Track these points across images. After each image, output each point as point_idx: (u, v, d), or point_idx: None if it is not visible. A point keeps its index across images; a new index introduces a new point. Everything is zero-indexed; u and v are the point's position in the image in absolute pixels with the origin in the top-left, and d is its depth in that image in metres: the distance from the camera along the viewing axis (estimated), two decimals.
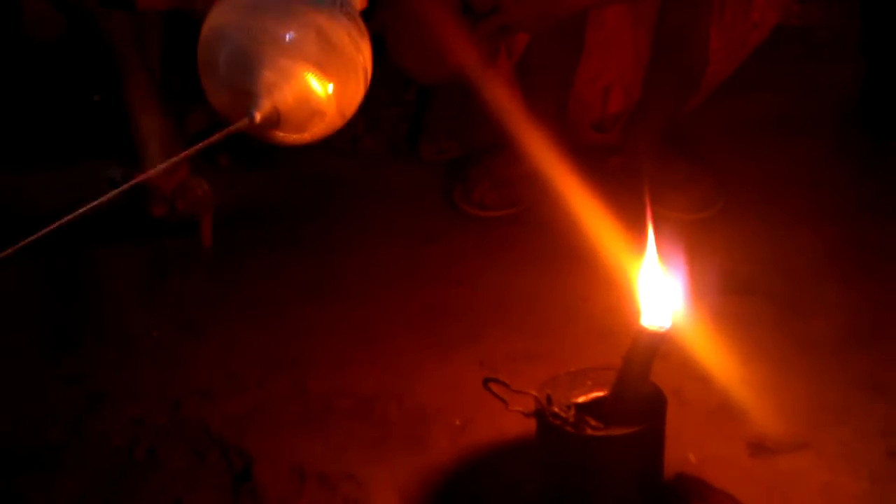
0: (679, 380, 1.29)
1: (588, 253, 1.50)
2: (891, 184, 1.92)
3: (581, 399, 1.07)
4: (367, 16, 1.22)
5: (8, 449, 1.27)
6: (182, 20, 1.77)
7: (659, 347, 1.05)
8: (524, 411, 1.08)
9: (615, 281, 1.33)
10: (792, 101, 2.29)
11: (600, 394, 1.08)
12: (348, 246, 1.79)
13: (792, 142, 2.10)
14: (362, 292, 1.63)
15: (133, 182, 1.11)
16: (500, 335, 1.48)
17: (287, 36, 1.12)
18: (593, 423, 1.04)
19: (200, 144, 1.11)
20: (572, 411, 1.05)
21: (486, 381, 1.10)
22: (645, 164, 1.87)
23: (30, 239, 0.92)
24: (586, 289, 1.55)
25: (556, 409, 1.05)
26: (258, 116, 1.11)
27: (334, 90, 1.14)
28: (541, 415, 1.06)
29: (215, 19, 1.17)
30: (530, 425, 1.09)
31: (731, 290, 1.55)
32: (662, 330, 1.04)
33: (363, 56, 1.16)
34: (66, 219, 0.94)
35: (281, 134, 1.17)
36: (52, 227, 0.92)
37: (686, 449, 1.19)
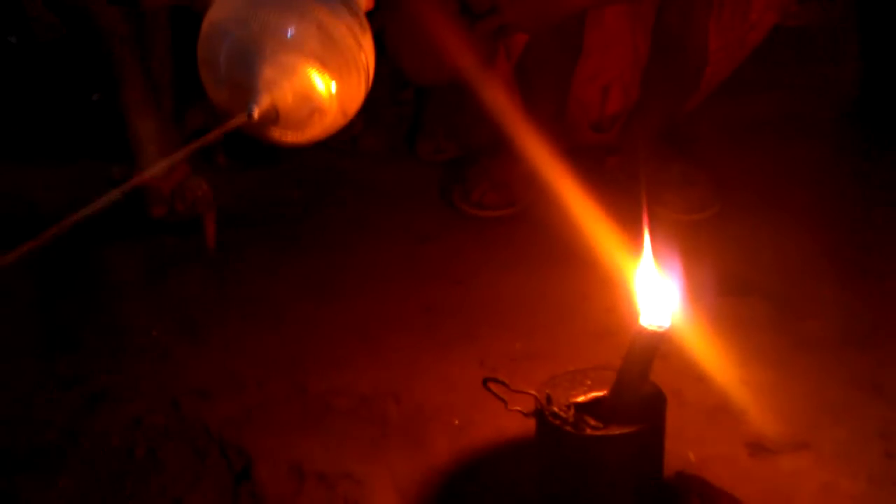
0: (678, 380, 1.29)
1: (586, 253, 1.50)
2: (889, 184, 1.92)
3: (581, 399, 1.07)
4: (369, 16, 1.22)
5: (7, 449, 1.27)
6: (180, 16, 1.76)
7: (659, 347, 1.05)
8: (524, 411, 1.08)
9: (614, 281, 1.34)
10: (790, 101, 2.29)
11: (600, 393, 1.08)
12: (347, 245, 1.80)
13: (790, 142, 2.11)
14: (361, 291, 1.64)
15: (130, 184, 1.10)
16: (499, 334, 1.48)
17: (288, 31, 1.10)
18: (593, 422, 1.04)
19: (197, 143, 1.10)
20: (572, 411, 1.05)
21: (485, 381, 1.10)
22: (643, 165, 1.87)
23: (29, 244, 0.91)
24: (585, 288, 1.55)
25: (555, 409, 1.05)
26: (256, 113, 1.09)
27: (335, 87, 1.13)
28: (540, 414, 1.06)
29: (215, 14, 1.15)
30: (529, 425, 1.10)
31: (730, 291, 1.56)
32: (662, 330, 1.04)
33: (365, 53, 1.15)
34: (65, 222, 0.93)
35: (280, 132, 1.15)
36: (51, 231, 0.92)
37: (686, 448, 1.19)
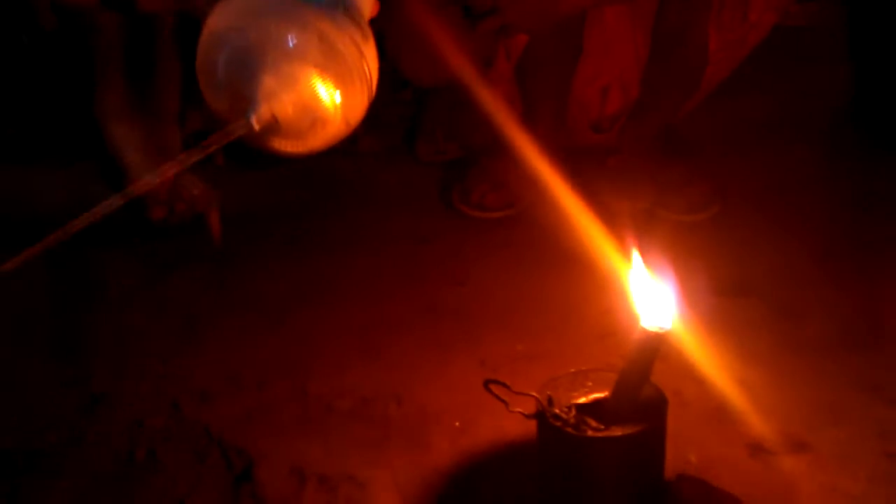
0: (679, 381, 1.30)
1: (586, 253, 1.50)
2: (885, 185, 1.92)
3: (582, 400, 1.08)
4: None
5: (8, 451, 1.27)
6: (179, 21, 1.76)
7: (660, 348, 1.06)
8: (525, 412, 1.08)
9: (613, 282, 1.33)
10: (789, 102, 2.29)
11: (601, 395, 1.08)
12: (346, 246, 1.80)
13: (788, 143, 2.11)
14: (361, 293, 1.64)
15: (130, 191, 1.09)
16: (500, 336, 1.48)
17: (288, 40, 1.10)
18: (594, 424, 1.04)
19: (195, 154, 1.09)
20: (573, 412, 1.05)
21: (486, 383, 1.11)
22: (643, 166, 1.87)
23: (30, 251, 0.91)
24: (585, 289, 1.55)
25: (556, 411, 1.05)
26: (256, 124, 1.09)
27: (338, 97, 1.12)
28: (541, 416, 1.07)
29: (215, 22, 1.15)
30: (530, 426, 1.10)
31: (729, 292, 1.56)
32: (663, 331, 1.04)
33: (368, 62, 1.14)
34: (66, 229, 0.93)
35: (281, 142, 1.15)
36: (52, 237, 0.92)
37: (687, 450, 1.20)
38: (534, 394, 1.07)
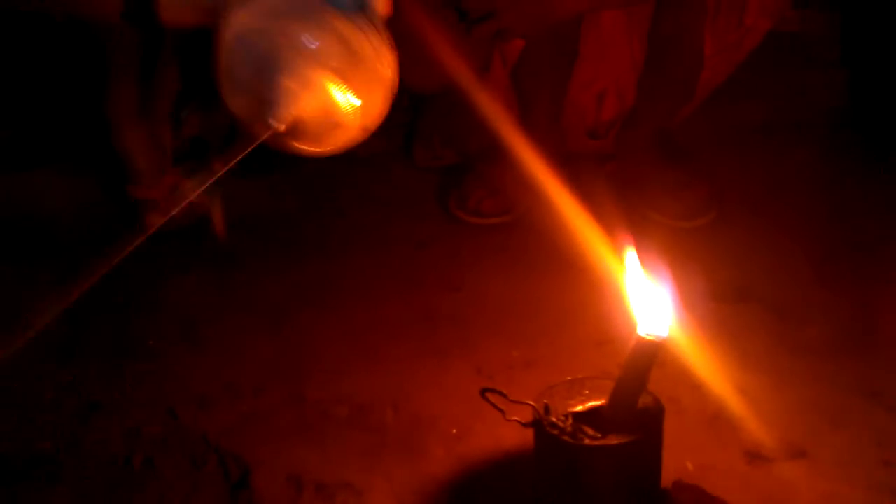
0: (676, 388, 1.30)
1: (583, 259, 1.50)
2: (882, 189, 1.92)
3: (578, 408, 1.08)
4: None
5: (5, 458, 1.27)
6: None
7: (657, 357, 1.06)
8: (522, 421, 1.08)
9: (610, 288, 1.33)
10: (785, 106, 2.29)
11: (598, 403, 1.08)
12: (344, 251, 1.80)
13: (785, 148, 2.11)
14: (359, 299, 1.64)
15: (155, 223, 1.09)
16: (497, 342, 1.48)
17: (309, 44, 1.09)
18: (591, 432, 1.04)
19: (233, 161, 1.10)
20: (570, 421, 1.05)
21: (483, 392, 1.10)
22: (639, 171, 1.87)
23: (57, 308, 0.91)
24: (582, 296, 1.55)
25: (553, 419, 1.05)
26: (279, 126, 1.08)
27: (357, 101, 1.11)
28: (538, 424, 1.07)
29: (236, 24, 1.14)
30: (527, 435, 1.10)
31: (726, 298, 1.56)
32: (660, 339, 1.04)
33: (386, 66, 1.13)
34: (92, 276, 0.93)
35: (299, 144, 1.15)
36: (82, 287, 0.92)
37: (684, 457, 1.20)
38: (530, 402, 1.07)
